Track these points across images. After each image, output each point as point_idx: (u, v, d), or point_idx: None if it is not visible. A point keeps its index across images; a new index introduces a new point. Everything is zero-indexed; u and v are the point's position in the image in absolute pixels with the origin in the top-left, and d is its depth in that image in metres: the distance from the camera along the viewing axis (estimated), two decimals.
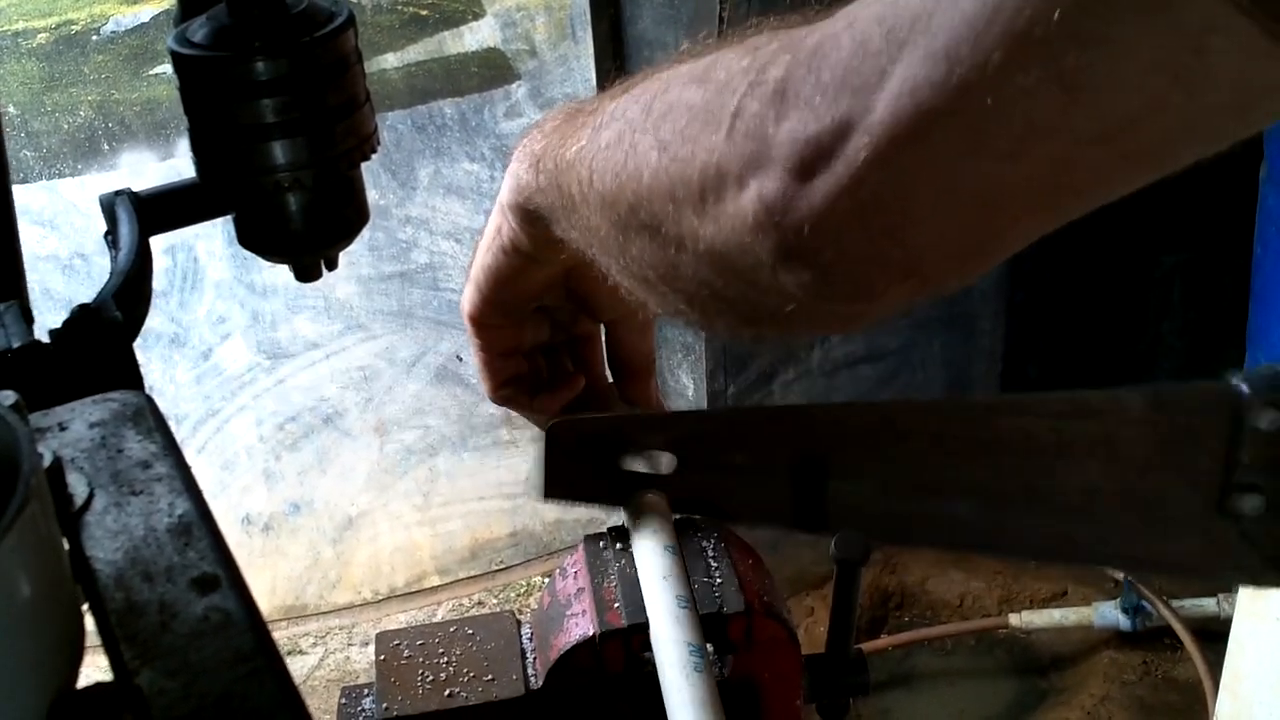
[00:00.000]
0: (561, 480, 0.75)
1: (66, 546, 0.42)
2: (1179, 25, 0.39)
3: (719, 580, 0.73)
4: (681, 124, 0.53)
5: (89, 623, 0.41)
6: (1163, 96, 0.41)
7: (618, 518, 0.77)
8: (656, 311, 0.62)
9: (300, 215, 0.76)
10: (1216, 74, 0.40)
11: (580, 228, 0.61)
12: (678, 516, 0.75)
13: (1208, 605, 2.26)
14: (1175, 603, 2.24)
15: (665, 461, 0.74)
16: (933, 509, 0.77)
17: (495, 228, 0.72)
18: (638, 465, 0.74)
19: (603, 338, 0.81)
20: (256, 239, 0.78)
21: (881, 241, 0.48)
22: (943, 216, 0.47)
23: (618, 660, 0.70)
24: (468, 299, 0.76)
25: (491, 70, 2.27)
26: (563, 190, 0.62)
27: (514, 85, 2.29)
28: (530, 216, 0.67)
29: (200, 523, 0.43)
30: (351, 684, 0.77)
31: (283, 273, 0.82)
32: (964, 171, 0.45)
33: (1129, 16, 0.40)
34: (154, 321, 2.03)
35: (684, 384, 2.34)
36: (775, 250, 0.49)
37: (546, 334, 0.79)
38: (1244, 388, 0.72)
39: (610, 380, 0.82)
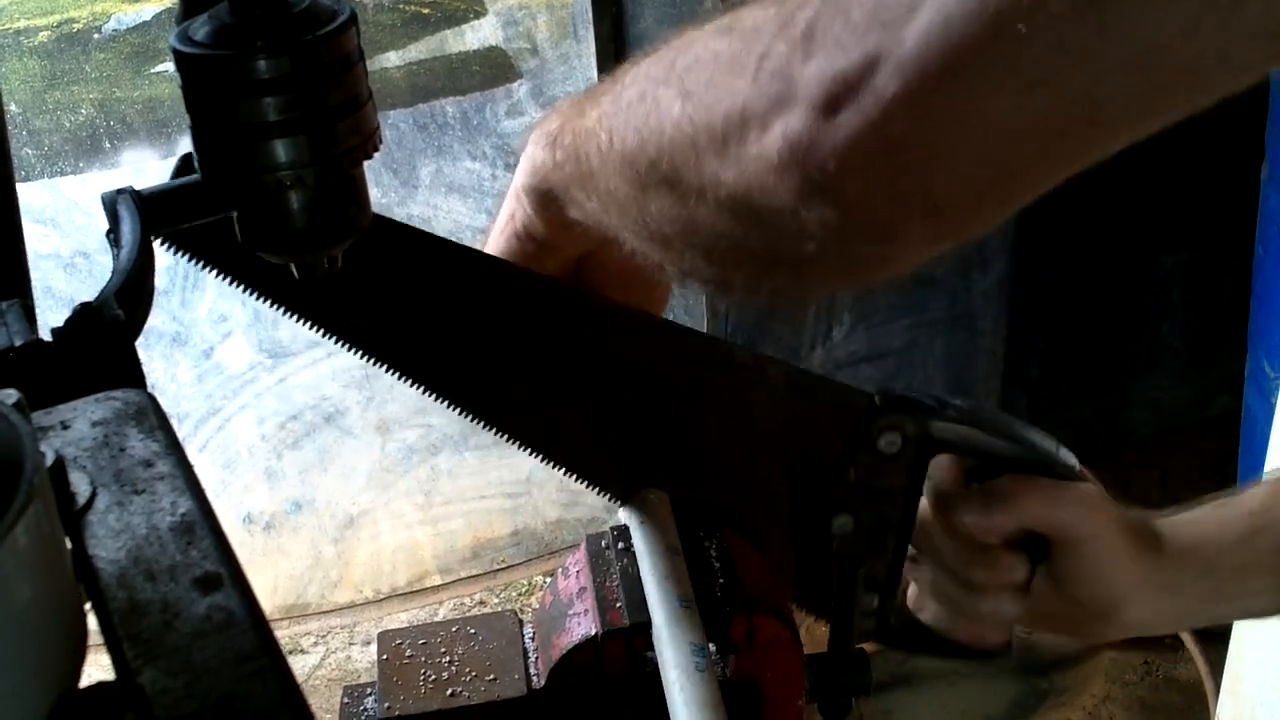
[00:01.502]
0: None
1: (69, 545, 0.42)
2: None
3: (721, 580, 0.73)
4: (707, 74, 0.52)
5: (91, 622, 0.41)
6: (1195, 20, 0.41)
7: (621, 517, 0.77)
8: (673, 274, 0.62)
9: (302, 214, 0.76)
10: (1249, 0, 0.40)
11: (600, 194, 0.61)
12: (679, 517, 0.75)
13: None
14: None
15: None
16: (548, 413, 0.73)
17: (509, 214, 0.71)
18: None
19: None
20: (258, 237, 0.78)
21: (905, 177, 0.48)
22: (968, 151, 0.47)
23: (620, 660, 0.70)
24: None
25: (493, 69, 2.27)
26: (581, 159, 0.62)
27: (516, 84, 2.28)
28: (545, 199, 0.67)
29: (202, 521, 0.43)
30: (353, 683, 0.77)
31: None
32: (993, 103, 0.45)
33: None
34: (156, 320, 2.03)
35: None
36: (799, 188, 0.49)
37: None
38: (877, 400, 0.72)
39: None
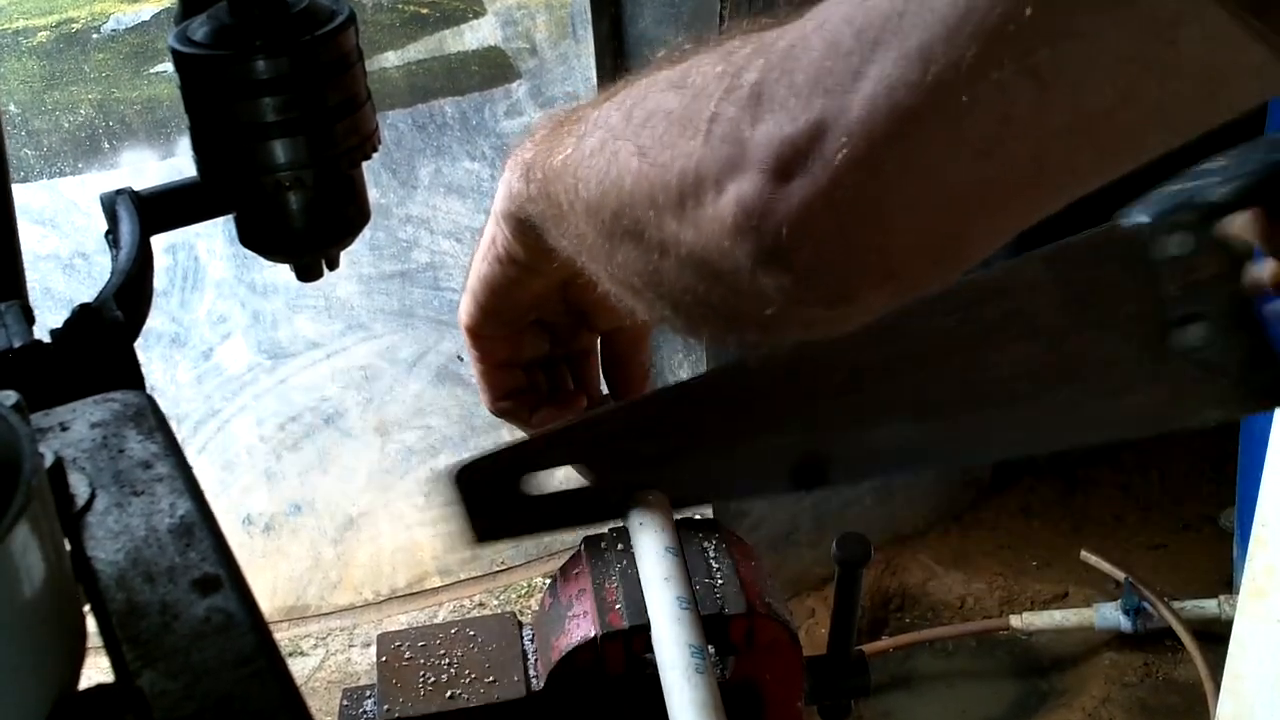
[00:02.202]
0: (486, 522, 0.75)
1: (68, 547, 0.42)
2: (1150, 15, 0.40)
3: (720, 581, 0.73)
4: (660, 131, 0.53)
5: (90, 624, 0.41)
6: (1135, 86, 0.42)
7: (613, 523, 0.77)
8: (645, 319, 0.62)
9: (301, 214, 0.76)
10: (1187, 62, 0.41)
11: (570, 236, 0.62)
12: (679, 517, 0.75)
13: (1209, 606, 2.26)
14: (1176, 604, 2.24)
15: (578, 474, 0.74)
16: (869, 440, 0.74)
17: (490, 238, 0.72)
18: (554, 485, 0.74)
19: (598, 350, 0.81)
20: (257, 238, 0.78)
21: (859, 243, 0.48)
22: (919, 215, 0.47)
23: (619, 661, 0.70)
24: (464, 310, 0.75)
25: (492, 69, 2.27)
26: (552, 199, 0.62)
27: (515, 84, 2.28)
28: (523, 225, 0.67)
29: (202, 523, 0.43)
30: (353, 685, 0.77)
31: (283, 272, 0.82)
32: (940, 169, 0.45)
33: (1100, 8, 0.40)
34: (155, 321, 2.03)
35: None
36: (754, 253, 0.49)
37: (545, 347, 0.79)
38: (1143, 218, 0.67)
39: (606, 393, 0.82)
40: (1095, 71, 0.41)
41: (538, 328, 0.78)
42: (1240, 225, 0.66)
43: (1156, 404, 0.71)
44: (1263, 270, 0.66)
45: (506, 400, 0.78)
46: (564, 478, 0.76)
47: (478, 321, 0.75)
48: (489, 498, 0.74)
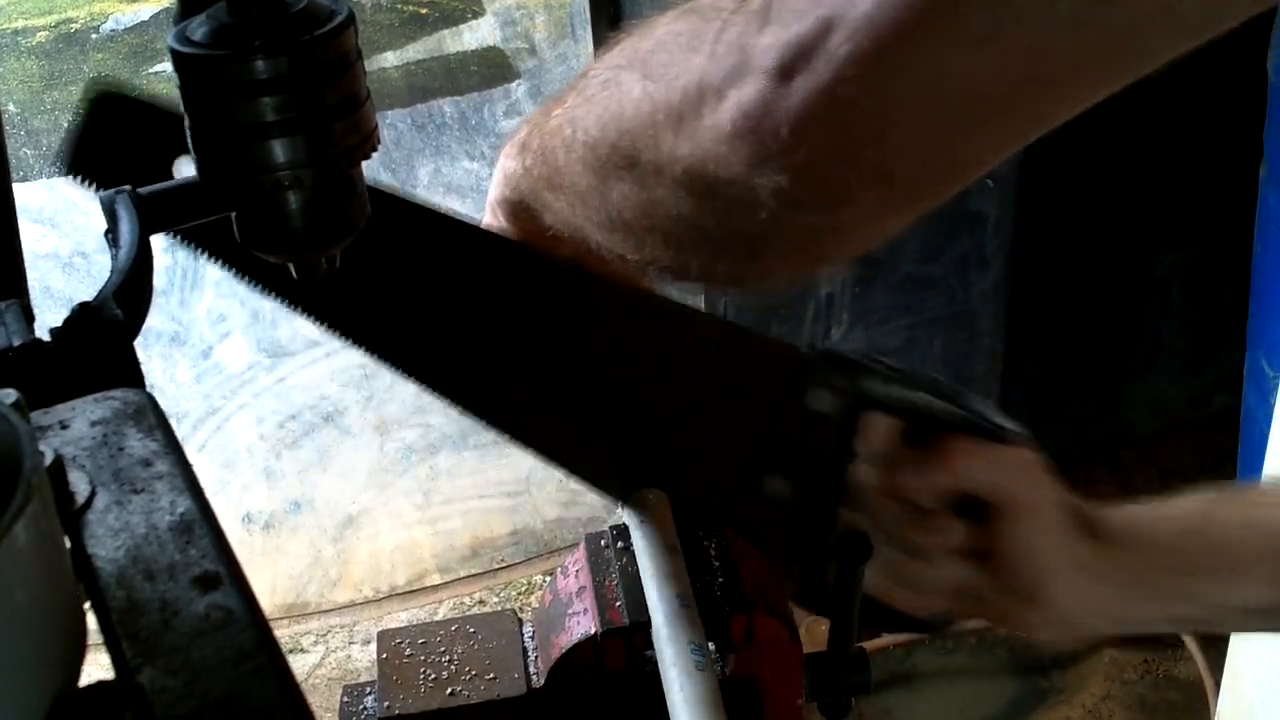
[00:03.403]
0: (92, 157, 0.70)
1: (68, 545, 0.42)
2: None
3: (720, 579, 0.73)
4: (667, 54, 0.54)
5: (90, 621, 0.41)
6: None
7: (619, 516, 0.77)
8: (634, 263, 0.62)
9: (300, 213, 0.76)
10: None
11: (566, 190, 0.62)
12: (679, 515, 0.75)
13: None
14: None
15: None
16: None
17: (485, 227, 0.72)
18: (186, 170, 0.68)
19: None
20: (257, 237, 0.78)
21: (856, 140, 0.49)
22: (919, 112, 0.48)
23: (619, 659, 0.70)
24: None
25: (491, 69, 2.27)
26: (548, 158, 0.63)
27: (514, 84, 2.28)
28: (517, 209, 0.68)
29: (201, 521, 0.43)
30: (353, 682, 0.77)
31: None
32: (942, 62, 0.46)
33: None
34: (154, 320, 2.03)
35: None
36: (751, 155, 0.50)
37: None
38: (807, 355, 0.69)
39: None
40: None
41: None
42: (881, 425, 0.69)
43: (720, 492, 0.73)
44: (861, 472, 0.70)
45: None
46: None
47: None
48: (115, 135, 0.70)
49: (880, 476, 0.70)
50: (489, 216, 0.71)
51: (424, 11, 2.21)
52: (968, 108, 0.47)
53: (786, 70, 0.47)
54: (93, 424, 0.48)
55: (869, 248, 0.54)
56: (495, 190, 0.69)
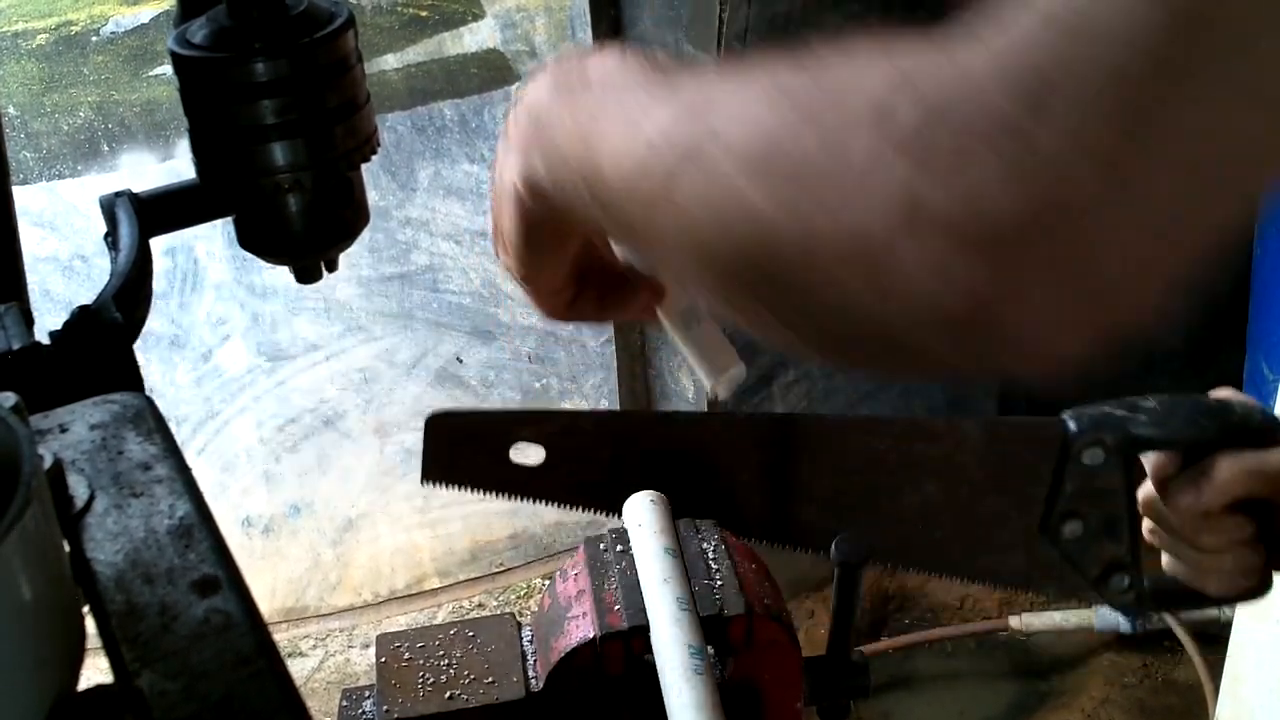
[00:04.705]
0: (442, 466, 0.81)
1: (67, 548, 0.42)
2: None
3: (719, 582, 0.73)
4: (783, 163, 0.44)
5: (90, 625, 0.41)
6: None
7: (617, 520, 0.77)
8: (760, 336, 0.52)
9: (300, 216, 0.76)
10: None
11: (646, 245, 0.55)
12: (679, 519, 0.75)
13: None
14: None
15: (534, 454, 0.79)
16: (783, 510, 0.84)
17: (512, 197, 0.62)
18: (515, 457, 0.79)
19: None
20: (257, 240, 0.78)
21: (1076, 290, 0.44)
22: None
23: (618, 662, 0.70)
24: (512, 265, 0.68)
25: (491, 71, 2.27)
26: (609, 211, 0.53)
27: (514, 86, 2.28)
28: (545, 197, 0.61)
29: (201, 525, 0.43)
30: (352, 686, 0.77)
31: (283, 274, 0.82)
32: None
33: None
34: (154, 323, 2.03)
35: (684, 386, 2.34)
36: (952, 325, 0.43)
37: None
38: (1071, 425, 0.80)
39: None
40: None
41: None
42: (1157, 462, 0.81)
43: (1020, 569, 0.85)
44: (1149, 503, 0.81)
45: (572, 310, 0.71)
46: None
47: (530, 268, 0.67)
48: (454, 446, 0.82)
49: (1166, 502, 0.80)
50: (510, 193, 0.62)
51: (424, 14, 2.21)
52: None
53: (993, 241, 0.41)
54: (92, 427, 0.48)
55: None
56: (516, 174, 0.60)
